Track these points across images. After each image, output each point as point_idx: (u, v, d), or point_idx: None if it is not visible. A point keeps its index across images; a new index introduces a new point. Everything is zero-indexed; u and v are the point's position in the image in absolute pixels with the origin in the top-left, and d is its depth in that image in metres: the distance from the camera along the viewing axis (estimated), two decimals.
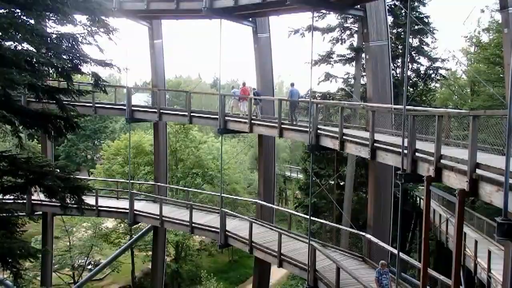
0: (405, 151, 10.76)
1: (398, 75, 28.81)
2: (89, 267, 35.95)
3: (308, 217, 17.57)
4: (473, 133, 8.15)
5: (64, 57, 11.63)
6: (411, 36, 28.15)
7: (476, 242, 18.69)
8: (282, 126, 17.97)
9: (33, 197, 22.96)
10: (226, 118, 20.67)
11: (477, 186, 8.11)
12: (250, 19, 22.14)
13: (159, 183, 26.54)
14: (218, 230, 20.38)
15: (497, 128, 8.53)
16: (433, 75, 30.12)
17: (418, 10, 28.67)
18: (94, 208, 23.27)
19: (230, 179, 41.46)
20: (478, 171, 8.09)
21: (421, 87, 30.16)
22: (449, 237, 22.36)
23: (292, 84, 19.94)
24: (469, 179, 8.15)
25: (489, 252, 17.01)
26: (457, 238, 8.43)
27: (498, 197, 7.40)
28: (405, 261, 15.32)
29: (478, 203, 25.66)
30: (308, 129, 16.14)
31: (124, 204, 24.66)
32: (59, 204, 12.39)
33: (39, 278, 27.17)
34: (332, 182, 28.14)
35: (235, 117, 20.98)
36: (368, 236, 17.33)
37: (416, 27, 27.99)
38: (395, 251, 12.67)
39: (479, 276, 18.15)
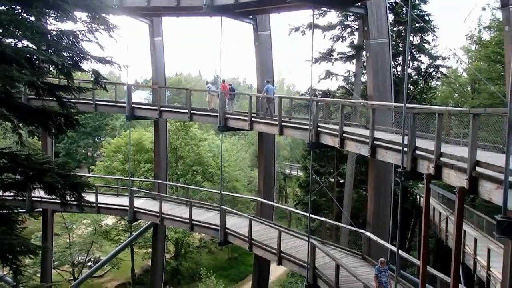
0: (405, 149, 10.76)
1: (399, 73, 28.79)
2: (89, 264, 36.03)
3: (308, 214, 17.58)
4: (473, 131, 8.15)
5: (65, 54, 11.58)
6: (411, 34, 28.12)
7: (475, 240, 18.71)
8: (282, 123, 17.99)
9: (33, 194, 22.88)
10: (226, 115, 20.70)
11: (477, 184, 8.11)
12: (251, 16, 22.11)
13: (159, 181, 26.56)
14: (218, 228, 20.41)
15: (497, 126, 8.53)
16: (433, 73, 30.13)
17: (419, 8, 28.64)
18: (94, 205, 23.32)
19: (230, 177, 41.48)
20: (478, 169, 8.09)
21: (421, 85, 30.15)
22: (449, 235, 22.39)
23: (268, 81, 21.21)
24: (469, 177, 8.15)
25: (489, 250, 17.02)
26: (456, 236, 8.43)
27: (498, 195, 7.40)
28: (404, 259, 15.34)
29: (478, 201, 25.69)
30: (308, 127, 16.15)
31: (124, 201, 24.70)
32: (59, 201, 12.38)
33: (39, 274, 27.22)
34: (332, 180, 28.17)
35: (235, 114, 21.00)
36: (368, 233, 17.34)
37: (417, 25, 27.96)
38: (395, 249, 12.67)
39: (478, 274, 18.18)
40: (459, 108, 15.84)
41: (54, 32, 11.60)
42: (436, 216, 26.14)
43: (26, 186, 11.82)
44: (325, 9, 26.44)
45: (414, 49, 28.96)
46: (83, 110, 24.42)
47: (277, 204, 26.27)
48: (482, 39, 34.48)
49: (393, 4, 27.26)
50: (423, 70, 29.81)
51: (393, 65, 26.59)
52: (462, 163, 8.57)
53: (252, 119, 19.58)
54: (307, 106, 19.83)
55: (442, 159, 9.41)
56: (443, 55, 30.27)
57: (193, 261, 39.30)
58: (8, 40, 11.00)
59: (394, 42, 27.54)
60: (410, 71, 29.12)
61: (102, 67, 12.92)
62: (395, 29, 28.59)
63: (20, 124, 12.41)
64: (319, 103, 17.15)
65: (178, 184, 35.14)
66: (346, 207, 24.04)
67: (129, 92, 24.06)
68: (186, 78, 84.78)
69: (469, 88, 36.15)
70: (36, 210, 24.93)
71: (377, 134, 12.98)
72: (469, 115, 8.38)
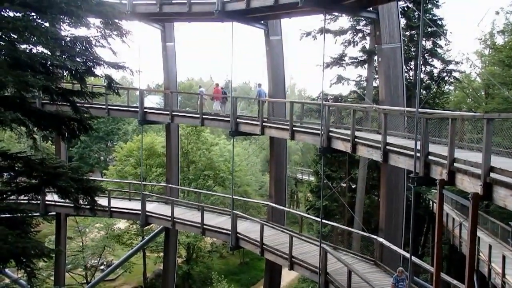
0: (418, 154, 10.67)
1: (411, 78, 28.62)
2: (102, 267, 36.30)
3: (319, 219, 17.49)
4: (487, 136, 8.05)
5: (78, 59, 11.74)
6: (424, 38, 27.94)
7: (490, 246, 18.43)
8: (294, 128, 17.96)
9: (47, 198, 23.28)
10: (238, 120, 20.72)
11: (491, 190, 8.01)
12: (262, 21, 22.15)
13: (171, 185, 26.66)
14: (229, 232, 20.40)
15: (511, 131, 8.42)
16: (446, 78, 29.88)
17: (432, 12, 28.45)
18: (107, 209, 23.46)
19: (241, 181, 41.49)
20: (492, 175, 7.99)
21: (434, 89, 29.90)
22: (463, 241, 22.09)
23: (259, 85, 21.98)
24: (483, 182, 8.06)
25: (504, 257, 16.77)
26: (470, 243, 8.33)
27: None
28: (417, 265, 15.17)
29: (492, 207, 25.34)
30: (319, 132, 16.10)
31: (136, 205, 24.85)
32: (72, 205, 12.53)
33: (52, 278, 27.48)
34: (344, 185, 28.02)
35: (247, 119, 21.05)
36: (380, 239, 17.19)
37: (429, 29, 27.78)
38: (407, 255, 12.55)
39: (493, 281, 17.91)
40: (473, 113, 15.62)
41: (68, 38, 11.77)
42: (450, 222, 25.84)
43: (40, 190, 11.99)
44: (336, 14, 26.42)
45: (427, 54, 28.77)
46: (96, 115, 24.62)
47: (288, 209, 26.19)
48: (496, 43, 34.10)
49: (405, 8, 27.13)
50: (435, 74, 29.59)
51: (405, 70, 26.44)
52: (476, 168, 8.47)
53: (263, 123, 19.58)
54: (319, 111, 19.79)
55: (455, 164, 9.31)
56: (456, 59, 30.03)
57: (204, 265, 39.33)
58: (23, 46, 11.18)
59: (406, 47, 27.40)
60: (422, 75, 28.92)
61: (115, 72, 13.06)
62: (407, 33, 28.44)
63: (35, 129, 12.60)
64: (330, 108, 17.11)
65: (189, 189, 35.27)
66: (358, 213, 23.88)
67: (141, 97, 24.26)
68: (197, 83, 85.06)
69: (482, 93, 35.76)
70: (49, 213, 25.24)
71: (389, 139, 12.90)
72: (483, 120, 8.29)
